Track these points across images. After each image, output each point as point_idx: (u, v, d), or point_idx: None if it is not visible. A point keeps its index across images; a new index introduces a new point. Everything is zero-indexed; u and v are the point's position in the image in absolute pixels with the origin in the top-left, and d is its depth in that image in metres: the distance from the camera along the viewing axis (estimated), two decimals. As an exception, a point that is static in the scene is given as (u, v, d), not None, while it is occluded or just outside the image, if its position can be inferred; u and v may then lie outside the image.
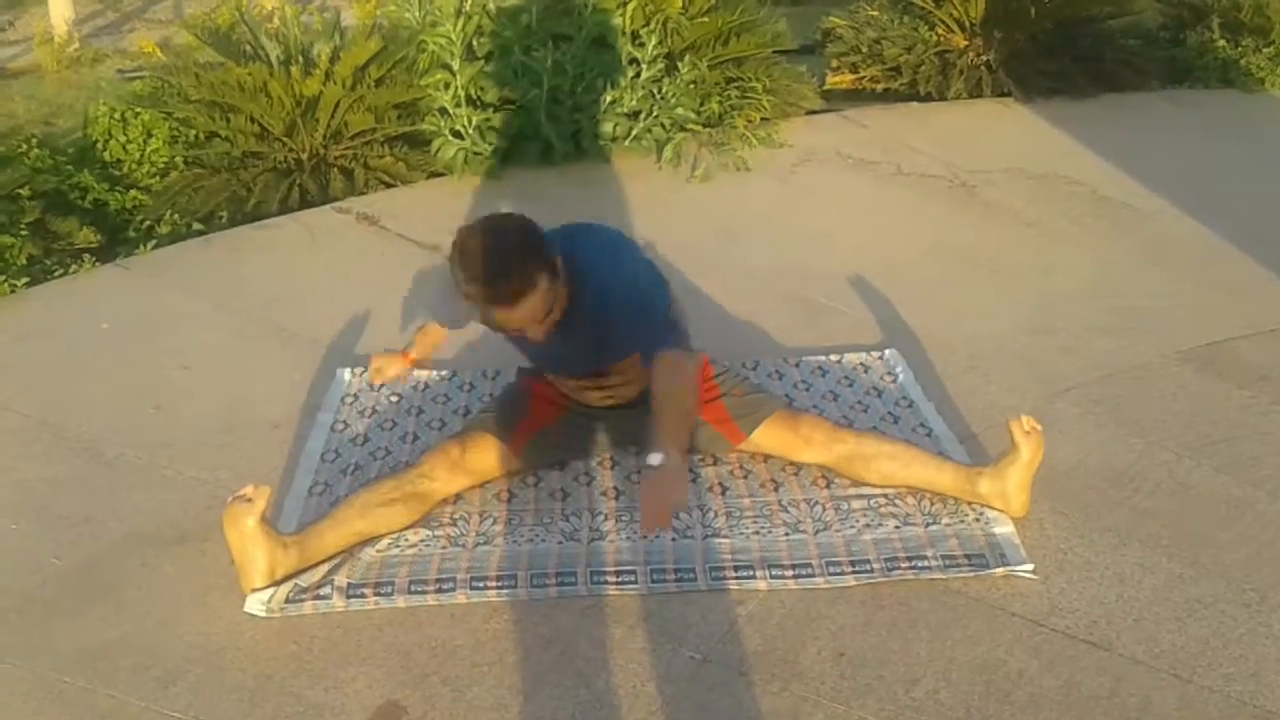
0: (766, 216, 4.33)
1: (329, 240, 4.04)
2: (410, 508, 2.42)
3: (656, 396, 2.24)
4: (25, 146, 4.30)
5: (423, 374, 3.08)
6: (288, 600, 2.22)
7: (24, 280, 3.65)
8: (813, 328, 3.40)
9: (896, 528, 2.45)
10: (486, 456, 2.53)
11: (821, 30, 6.44)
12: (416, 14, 4.81)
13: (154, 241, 4.03)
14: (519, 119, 4.65)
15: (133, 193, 4.35)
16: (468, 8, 4.67)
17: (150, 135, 4.51)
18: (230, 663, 2.11)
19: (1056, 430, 2.77)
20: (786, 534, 2.44)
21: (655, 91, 4.83)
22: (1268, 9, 6.24)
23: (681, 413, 2.27)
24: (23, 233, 3.84)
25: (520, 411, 2.60)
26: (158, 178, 4.47)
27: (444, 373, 3.09)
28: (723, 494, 2.57)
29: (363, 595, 2.24)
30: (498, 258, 2.17)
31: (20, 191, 4.02)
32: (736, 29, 5.21)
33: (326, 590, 2.24)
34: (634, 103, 4.77)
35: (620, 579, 2.30)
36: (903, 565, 2.34)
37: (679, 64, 4.94)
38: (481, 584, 2.28)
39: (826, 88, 5.91)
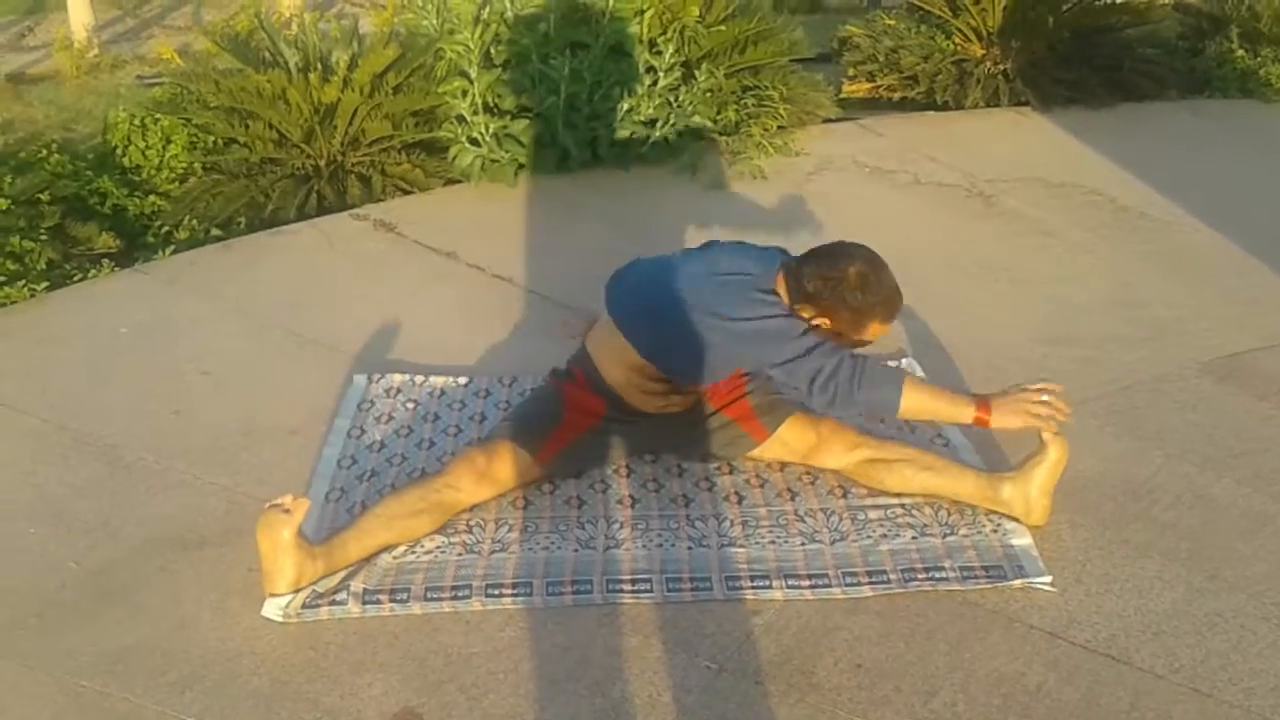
0: (782, 225, 4.32)
1: (346, 247, 4.06)
2: (434, 518, 2.43)
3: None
4: (45, 152, 4.32)
5: (439, 380, 3.08)
6: (304, 606, 2.22)
7: (44, 285, 3.66)
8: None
9: (914, 538, 2.44)
10: (511, 467, 2.52)
11: (838, 39, 6.44)
12: (434, 22, 4.82)
13: (172, 247, 4.05)
14: (536, 126, 4.66)
15: (151, 198, 4.37)
16: (485, 16, 4.68)
17: (169, 141, 4.53)
18: (247, 668, 2.11)
19: (1075, 441, 2.74)
20: (803, 544, 2.43)
21: (672, 99, 4.83)
22: (1287, 19, 6.22)
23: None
24: (42, 238, 3.86)
25: (551, 418, 2.58)
26: (176, 183, 4.49)
27: (461, 379, 3.10)
28: (739, 503, 2.57)
29: (379, 601, 2.24)
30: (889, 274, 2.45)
31: (40, 196, 4.05)
32: (753, 37, 5.21)
33: (343, 596, 2.24)
34: (651, 110, 4.78)
35: (636, 587, 2.30)
36: (920, 576, 2.33)
37: (696, 72, 4.95)
38: (497, 591, 2.28)
39: (843, 96, 5.90)
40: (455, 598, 2.26)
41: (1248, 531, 2.51)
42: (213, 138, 4.60)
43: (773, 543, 2.43)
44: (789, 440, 2.62)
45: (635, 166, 4.78)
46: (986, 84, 5.80)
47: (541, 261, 3.90)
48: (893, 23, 6.22)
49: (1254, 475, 2.70)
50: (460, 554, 2.38)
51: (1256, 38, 6.21)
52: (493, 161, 4.57)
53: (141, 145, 4.51)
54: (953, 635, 2.19)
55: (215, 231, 4.20)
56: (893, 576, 2.33)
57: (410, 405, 2.98)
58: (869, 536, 2.45)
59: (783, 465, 2.68)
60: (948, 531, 2.46)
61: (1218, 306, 3.59)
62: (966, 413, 2.39)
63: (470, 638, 2.18)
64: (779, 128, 5.15)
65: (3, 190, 3.93)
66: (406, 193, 4.53)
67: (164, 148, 4.52)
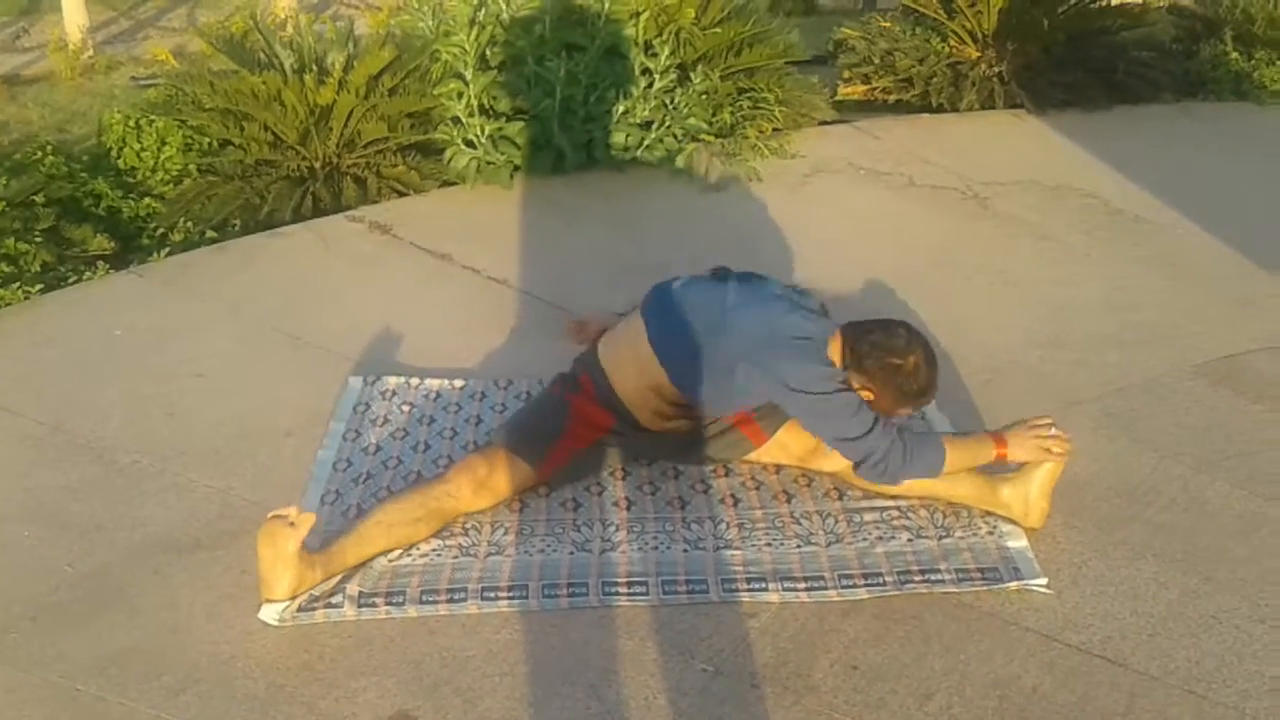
0: (778, 227, 4.32)
1: (342, 249, 4.05)
2: (432, 525, 2.42)
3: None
4: (40, 153, 4.31)
5: (435, 383, 3.08)
6: (300, 609, 2.22)
7: (38, 287, 3.65)
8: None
9: (909, 540, 2.44)
10: (512, 478, 2.51)
11: (833, 41, 6.44)
12: (430, 24, 4.82)
13: (167, 249, 4.04)
14: (532, 129, 4.65)
15: (146, 200, 4.36)
16: (481, 18, 4.68)
17: (164, 143, 4.52)
18: (241, 671, 2.11)
19: (1069, 444, 2.76)
20: (799, 546, 2.43)
21: (668, 102, 4.83)
22: (1281, 22, 6.23)
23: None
24: (37, 240, 3.85)
25: (555, 430, 2.56)
26: (171, 185, 4.48)
27: (456, 381, 3.09)
28: (735, 505, 2.57)
29: (374, 604, 2.24)
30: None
31: (34, 198, 4.03)
32: (749, 40, 5.21)
33: (338, 599, 2.24)
34: (646, 113, 4.77)
35: (632, 590, 2.30)
36: (916, 578, 2.33)
37: (691, 74, 4.95)
38: (493, 594, 2.28)
39: (838, 99, 5.90)
40: (451, 601, 2.26)
41: (1242, 533, 2.51)
42: (208, 139, 4.59)
43: (769, 545, 2.43)
44: (787, 443, 2.62)
45: (631, 169, 4.78)
46: (982, 87, 5.81)
47: (537, 264, 3.89)
48: (888, 25, 6.22)
49: (1248, 477, 2.71)
50: (456, 557, 2.38)
51: (1251, 40, 6.22)
52: (488, 164, 4.57)
53: (136, 147, 4.50)
54: (948, 637, 2.19)
55: (210, 233, 4.19)
56: (888, 579, 2.33)
57: (406, 408, 2.98)
58: (865, 539, 2.45)
59: (779, 468, 2.68)
60: (943, 534, 2.46)
61: (1212, 309, 3.60)
62: (990, 452, 2.46)
63: (466, 641, 2.18)
64: (774, 130, 5.15)
65: (-3, 192, 3.93)
66: (402, 195, 4.53)
67: (159, 149, 4.51)
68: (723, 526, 2.49)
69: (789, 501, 2.58)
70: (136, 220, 4.29)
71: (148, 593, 2.31)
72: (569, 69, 4.63)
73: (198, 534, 2.49)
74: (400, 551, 2.37)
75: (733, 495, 2.60)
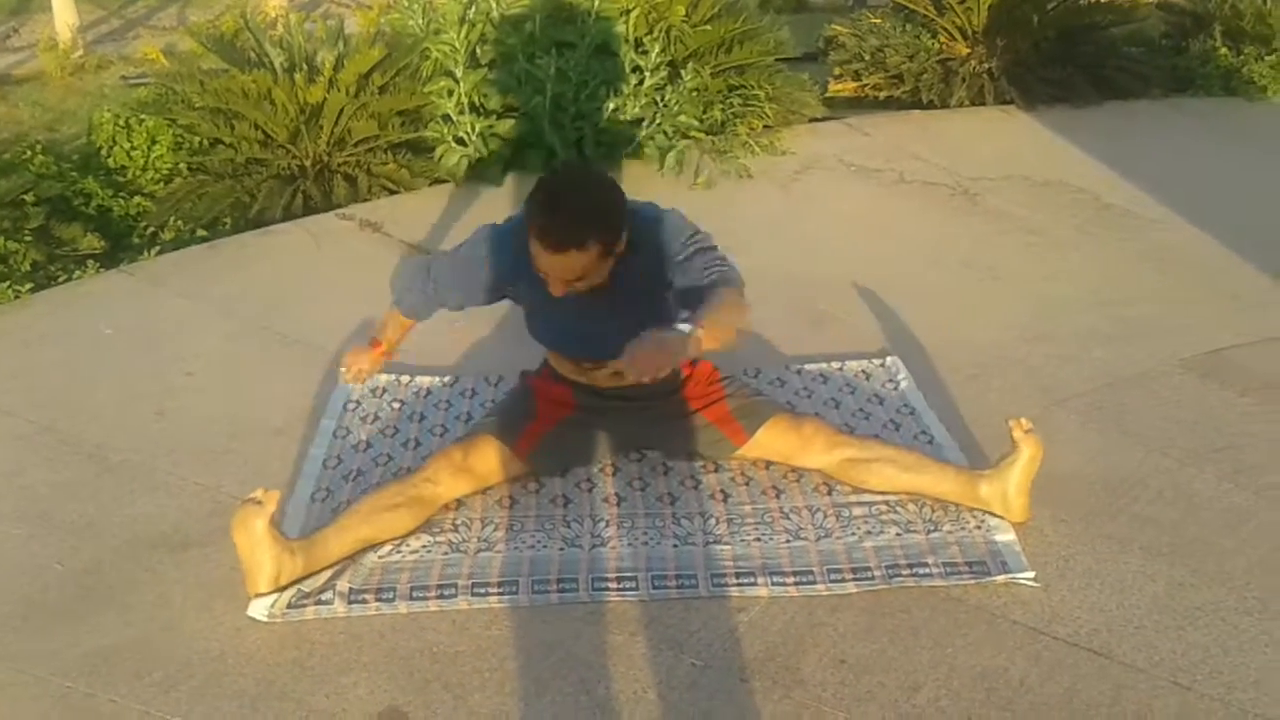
0: (768, 224, 4.33)
1: (332, 246, 4.05)
2: (414, 512, 2.43)
3: (721, 302, 2.25)
4: (30, 153, 4.32)
5: (425, 380, 3.09)
6: (290, 605, 2.22)
7: (28, 286, 3.66)
8: (814, 335, 3.41)
9: (898, 535, 2.45)
10: (489, 460, 2.53)
11: (824, 38, 6.46)
12: (420, 22, 4.82)
13: (158, 248, 4.04)
14: (522, 126, 4.66)
15: (137, 199, 4.36)
16: (471, 15, 4.68)
17: (154, 142, 4.52)
18: (232, 668, 2.11)
19: (1058, 438, 2.77)
20: (788, 541, 2.44)
21: (658, 99, 4.84)
22: (1270, 17, 6.25)
23: (731, 319, 2.28)
24: (27, 239, 3.85)
25: (525, 413, 2.60)
26: (162, 184, 4.49)
27: (446, 378, 3.10)
28: (724, 501, 2.57)
29: (364, 601, 2.25)
30: (576, 206, 2.23)
31: (25, 198, 4.03)
32: (739, 37, 5.22)
33: (328, 595, 2.25)
34: (637, 110, 4.78)
35: (622, 585, 2.31)
36: (904, 572, 2.34)
37: (682, 72, 4.96)
38: (483, 590, 2.28)
39: (829, 95, 5.92)
40: (441, 597, 2.27)
41: (1229, 526, 2.52)
42: (198, 138, 4.60)
43: (758, 540, 2.44)
44: (769, 443, 2.62)
45: (621, 166, 4.78)
46: (972, 83, 5.83)
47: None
48: (878, 22, 6.24)
49: (1235, 470, 2.72)
50: (446, 553, 2.39)
51: (1240, 36, 6.25)
52: (479, 161, 4.57)
53: (127, 146, 4.50)
54: (936, 631, 2.20)
55: (201, 232, 4.20)
56: (877, 573, 2.34)
57: (396, 405, 2.98)
58: (854, 533, 2.46)
59: (768, 464, 2.69)
60: (931, 528, 2.47)
61: (1200, 303, 3.62)
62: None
63: (456, 637, 2.19)
64: (765, 127, 5.17)
65: (-13, 191, 3.93)
66: (392, 192, 4.53)
67: (149, 148, 4.51)
68: (712, 522, 2.50)
69: (778, 497, 2.59)
70: (127, 219, 4.30)
71: (139, 590, 2.32)
72: (559, 66, 4.64)
73: (188, 531, 2.49)
74: (390, 548, 2.38)
75: (722, 491, 2.61)
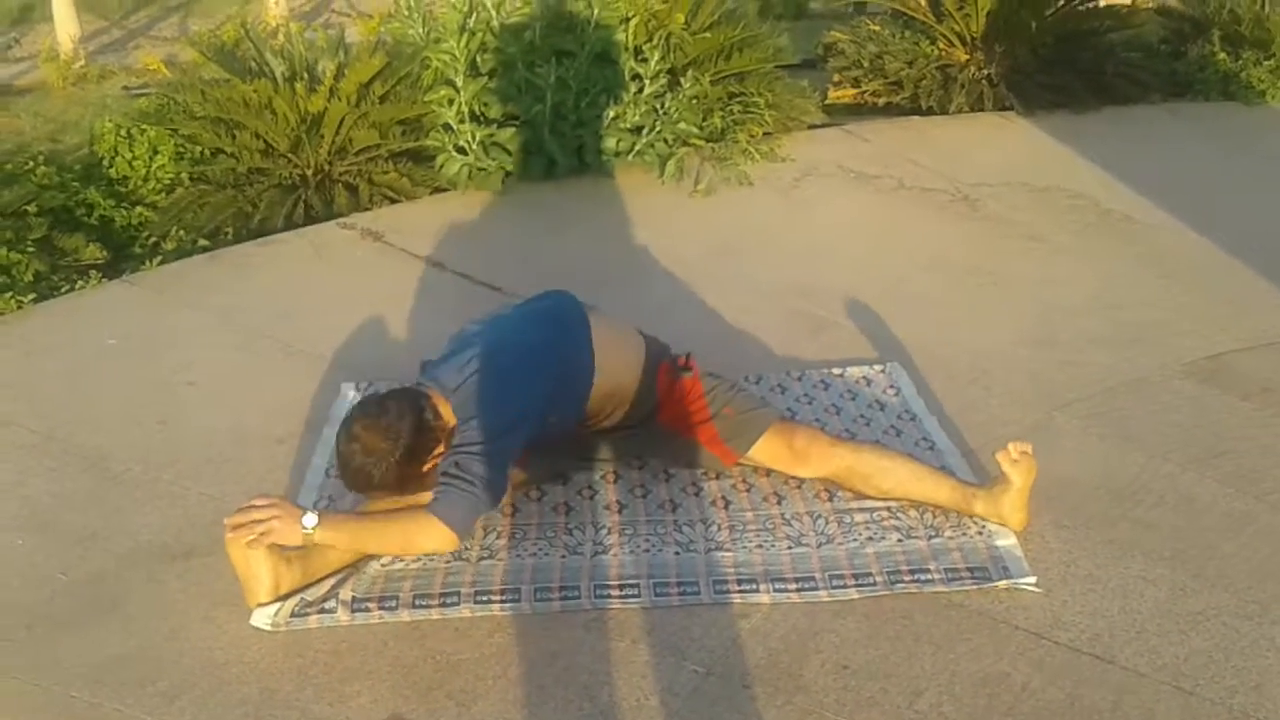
0: (768, 231, 4.34)
1: (334, 256, 4.06)
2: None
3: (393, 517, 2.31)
4: (32, 163, 4.33)
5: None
6: (293, 615, 2.23)
7: (31, 296, 3.66)
8: (815, 342, 3.41)
9: (899, 541, 2.45)
10: None
11: (823, 45, 6.47)
12: (420, 31, 4.84)
13: (160, 257, 4.05)
14: (522, 134, 4.67)
15: (139, 209, 4.37)
16: (471, 24, 4.70)
17: (156, 152, 4.53)
18: (235, 677, 2.11)
19: (1058, 443, 2.78)
20: (789, 547, 2.44)
21: (658, 107, 4.85)
22: (1268, 22, 6.27)
23: (371, 538, 2.33)
24: (29, 249, 3.86)
25: None
26: (163, 194, 4.50)
27: (448, 387, 3.10)
28: (726, 508, 2.58)
29: (367, 609, 2.25)
30: (349, 460, 2.31)
31: (27, 208, 4.05)
32: (738, 44, 5.24)
33: (331, 604, 2.25)
34: (637, 118, 4.79)
35: (624, 592, 2.31)
36: (906, 579, 2.34)
37: (681, 79, 4.97)
38: (486, 598, 2.29)
39: (828, 102, 5.93)
40: (444, 605, 2.27)
41: (1230, 531, 2.53)
42: (199, 148, 4.61)
43: (759, 547, 2.45)
44: (762, 460, 2.62)
45: (622, 174, 4.80)
46: (971, 89, 5.84)
47: (528, 269, 3.90)
48: (877, 28, 6.25)
49: (1236, 475, 2.73)
50: (448, 561, 2.39)
51: (1238, 41, 6.26)
52: (479, 170, 4.58)
53: (128, 156, 4.51)
54: (938, 636, 2.20)
55: (202, 242, 4.20)
56: (879, 579, 2.34)
57: (398, 413, 2.99)
58: (855, 539, 2.46)
59: (769, 470, 2.69)
60: (933, 534, 2.47)
61: (1200, 308, 3.62)
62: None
63: (458, 644, 2.19)
64: (764, 134, 5.18)
65: (-11, 202, 3.94)
66: (393, 201, 4.54)
67: (151, 158, 4.52)
68: (714, 529, 2.51)
69: (780, 503, 2.59)
70: (129, 229, 4.31)
71: (142, 600, 2.32)
72: (559, 75, 4.65)
73: (192, 541, 2.50)
74: (391, 556, 2.38)
75: (724, 498, 2.61)
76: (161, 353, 3.35)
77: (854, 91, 6.08)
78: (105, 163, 4.53)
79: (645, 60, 4.82)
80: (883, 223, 4.44)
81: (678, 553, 2.43)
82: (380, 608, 2.25)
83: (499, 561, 2.40)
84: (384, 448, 2.28)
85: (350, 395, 3.06)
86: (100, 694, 2.08)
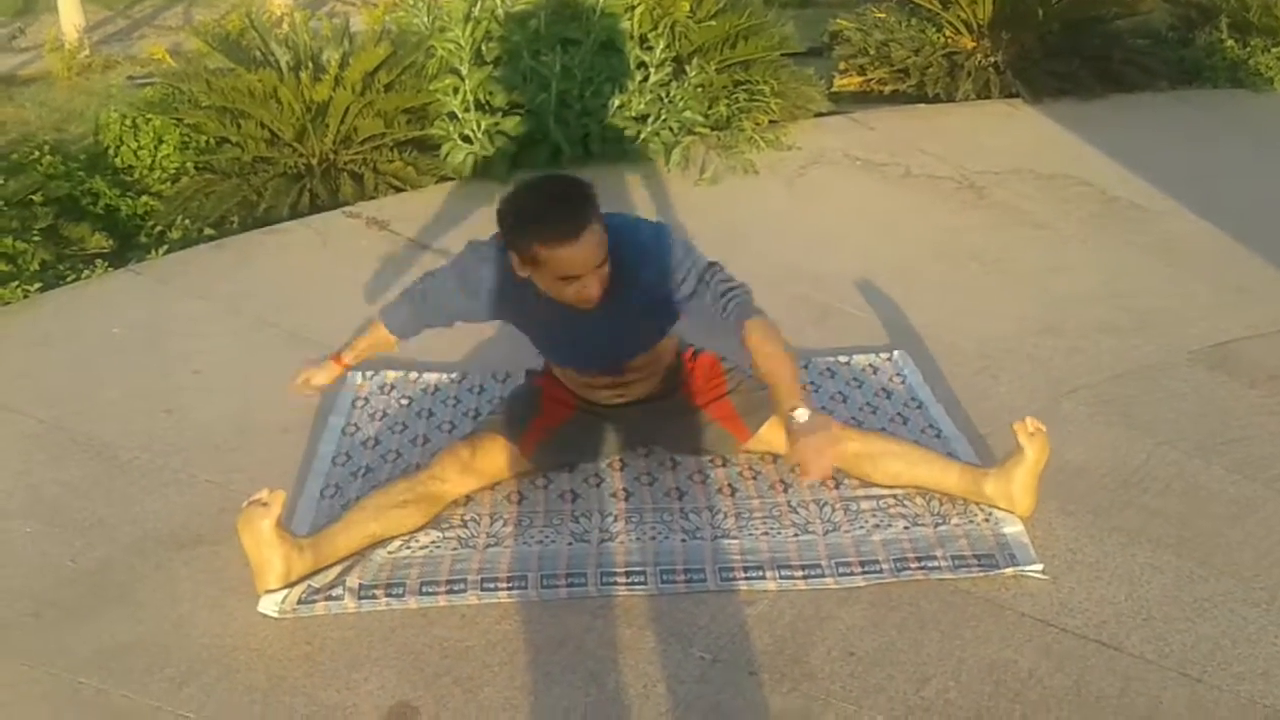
0: (775, 219, 4.33)
1: (339, 244, 4.06)
2: (421, 509, 2.43)
3: (768, 356, 2.22)
4: (37, 153, 4.33)
5: (432, 377, 3.09)
6: (300, 601, 2.23)
7: (37, 285, 3.67)
8: (821, 329, 3.40)
9: (906, 528, 2.45)
10: (496, 458, 2.54)
11: (829, 33, 6.45)
12: (425, 19, 4.83)
13: (165, 247, 4.05)
14: (528, 123, 4.66)
15: (144, 198, 4.37)
16: (476, 13, 4.68)
17: (161, 141, 4.53)
18: (243, 663, 2.12)
19: (1065, 430, 2.77)
20: (796, 535, 2.44)
21: (663, 95, 4.84)
22: (1276, 9, 6.22)
23: (796, 371, 2.26)
24: (35, 238, 3.86)
25: (531, 410, 2.61)
26: (169, 183, 4.50)
27: (454, 375, 3.11)
28: (732, 495, 2.58)
29: (374, 596, 2.26)
30: (563, 195, 2.18)
31: (33, 198, 4.05)
32: (744, 32, 5.22)
33: (338, 591, 2.26)
34: (642, 106, 4.78)
35: (630, 580, 2.31)
36: (912, 565, 2.34)
37: (687, 67, 4.96)
38: (492, 585, 2.29)
39: (834, 90, 5.91)
40: (450, 592, 2.27)
41: (1237, 518, 2.52)
42: (205, 137, 4.61)
43: (766, 534, 2.45)
44: (773, 438, 2.61)
45: (627, 162, 4.79)
46: (977, 76, 5.81)
47: (534, 257, 3.90)
48: (883, 16, 6.22)
49: (1243, 462, 2.72)
50: (455, 548, 2.39)
51: (1246, 28, 6.22)
52: (485, 158, 4.58)
53: (134, 145, 4.51)
54: (945, 623, 2.20)
55: (208, 231, 4.20)
56: (885, 566, 2.34)
57: (404, 401, 2.99)
58: (861, 527, 2.46)
59: (775, 457, 2.69)
60: (940, 521, 2.47)
61: (1207, 295, 3.61)
62: (787, 395, 2.24)
63: (466, 631, 2.20)
64: (770, 122, 5.16)
65: (-5, 192, 3.94)
66: (399, 190, 4.54)
67: (156, 148, 4.52)
68: (720, 516, 2.51)
69: (786, 491, 2.59)
70: (134, 218, 4.31)
71: (149, 587, 2.33)
72: (564, 63, 4.64)
73: (199, 529, 2.50)
74: (400, 543, 2.39)
75: (730, 485, 2.61)
76: (167, 342, 3.35)
77: (860, 79, 6.06)
78: (110, 152, 4.53)
79: (650, 48, 4.80)
80: (889, 210, 4.43)
81: (684, 540, 2.43)
82: (387, 595, 2.26)
83: (506, 549, 2.40)
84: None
85: (356, 383, 3.06)
86: (108, 681, 2.09)
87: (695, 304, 2.31)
